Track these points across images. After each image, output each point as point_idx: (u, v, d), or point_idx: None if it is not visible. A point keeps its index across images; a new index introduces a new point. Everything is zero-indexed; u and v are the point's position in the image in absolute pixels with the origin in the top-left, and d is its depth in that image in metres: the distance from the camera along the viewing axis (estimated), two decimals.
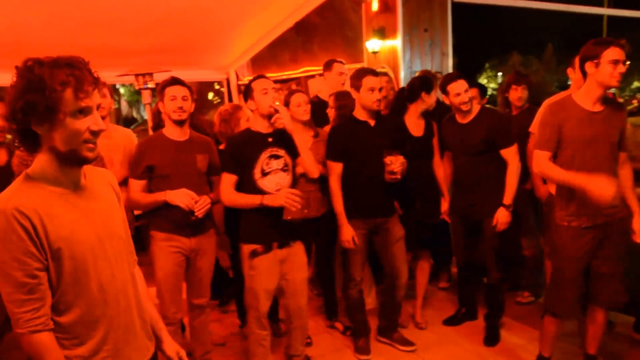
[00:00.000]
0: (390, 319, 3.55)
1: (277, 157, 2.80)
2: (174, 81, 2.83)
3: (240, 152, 2.76)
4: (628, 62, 2.57)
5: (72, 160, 1.37)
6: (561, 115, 2.68)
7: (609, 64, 2.52)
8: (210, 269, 3.02)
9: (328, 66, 4.08)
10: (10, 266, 1.28)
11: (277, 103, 2.77)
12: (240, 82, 6.53)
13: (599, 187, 2.44)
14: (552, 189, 3.18)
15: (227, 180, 2.77)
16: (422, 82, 3.56)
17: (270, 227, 2.74)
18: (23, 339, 1.33)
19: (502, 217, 3.26)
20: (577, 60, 2.87)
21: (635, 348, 3.33)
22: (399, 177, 3.09)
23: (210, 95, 11.60)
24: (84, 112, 1.33)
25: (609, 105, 2.67)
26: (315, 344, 3.58)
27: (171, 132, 2.84)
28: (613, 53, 2.52)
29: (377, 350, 3.46)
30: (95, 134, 1.36)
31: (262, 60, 6.73)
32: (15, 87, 1.30)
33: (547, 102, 3.48)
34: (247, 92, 2.82)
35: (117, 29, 4.27)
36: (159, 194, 2.75)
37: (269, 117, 2.75)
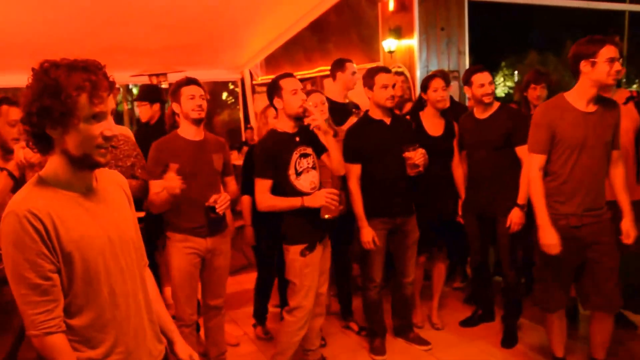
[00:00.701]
0: (403, 317, 3.57)
1: (306, 155, 2.83)
2: (190, 81, 2.83)
3: (274, 155, 2.77)
4: (620, 59, 2.54)
5: (84, 165, 1.37)
6: (554, 116, 2.64)
7: (606, 63, 2.48)
8: (227, 269, 3.02)
9: (340, 66, 3.89)
10: (24, 268, 1.28)
11: (311, 103, 2.76)
12: (254, 82, 6.53)
13: (549, 244, 2.61)
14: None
15: (262, 186, 2.77)
16: (421, 84, 3.61)
17: (314, 226, 2.79)
18: (36, 341, 1.33)
19: (515, 218, 3.24)
20: None
21: None
22: (422, 169, 3.08)
23: (225, 95, 11.62)
24: (97, 117, 1.33)
25: (602, 105, 2.63)
26: (330, 344, 3.56)
27: (187, 132, 2.84)
28: (609, 51, 2.49)
29: (392, 350, 3.43)
30: (108, 139, 1.36)
31: (276, 60, 6.72)
32: (31, 89, 1.30)
33: None
34: (274, 89, 2.77)
35: (131, 29, 4.28)
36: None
37: (296, 117, 2.76)
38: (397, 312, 3.60)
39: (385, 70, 3.22)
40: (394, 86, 3.19)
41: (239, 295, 4.22)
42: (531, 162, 2.73)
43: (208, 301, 3.01)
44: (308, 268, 2.82)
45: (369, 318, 3.49)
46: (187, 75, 2.89)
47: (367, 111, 3.33)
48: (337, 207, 2.71)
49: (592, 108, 2.61)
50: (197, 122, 2.82)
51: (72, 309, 1.37)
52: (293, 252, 2.82)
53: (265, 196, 2.78)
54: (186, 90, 2.78)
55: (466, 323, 3.77)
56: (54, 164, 1.37)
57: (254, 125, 3.66)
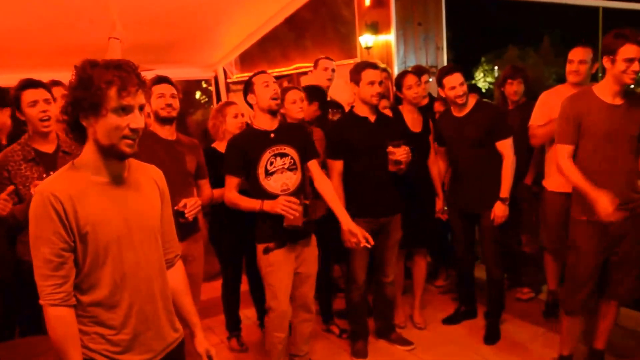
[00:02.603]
0: (385, 318, 3.51)
1: (282, 155, 2.71)
2: (160, 79, 2.74)
3: (243, 152, 2.68)
4: None
5: (111, 154, 1.49)
6: (581, 107, 2.65)
7: (624, 62, 2.50)
8: (200, 276, 2.91)
9: (315, 63, 4.05)
10: (41, 243, 1.44)
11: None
12: (229, 80, 6.42)
13: (605, 207, 2.50)
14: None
15: (229, 183, 2.72)
16: (395, 82, 3.56)
17: (282, 228, 2.65)
18: (44, 311, 1.47)
19: (498, 211, 3.23)
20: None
21: None
22: (404, 166, 3.01)
23: (198, 95, 11.41)
24: (125, 110, 1.45)
25: (630, 98, 2.63)
26: (311, 348, 3.45)
27: (159, 131, 2.75)
28: (628, 51, 2.49)
29: (374, 352, 3.37)
30: (135, 131, 1.47)
31: (251, 57, 6.62)
32: (71, 84, 1.47)
33: (544, 95, 3.44)
34: (247, 86, 2.75)
35: (100, 27, 4.16)
36: None
37: (269, 111, 2.69)
38: (379, 313, 3.53)
39: (373, 66, 3.11)
40: (380, 83, 3.11)
41: (215, 302, 4.08)
42: (561, 152, 2.71)
43: None
44: (271, 267, 2.73)
45: (351, 320, 3.42)
46: (158, 74, 2.80)
47: (352, 107, 3.26)
48: (298, 217, 2.55)
49: (618, 101, 2.62)
50: (166, 121, 2.72)
51: (83, 285, 1.50)
52: (259, 251, 2.76)
53: (230, 193, 2.72)
54: (156, 89, 2.70)
55: (449, 321, 3.73)
56: (87, 152, 1.51)
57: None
